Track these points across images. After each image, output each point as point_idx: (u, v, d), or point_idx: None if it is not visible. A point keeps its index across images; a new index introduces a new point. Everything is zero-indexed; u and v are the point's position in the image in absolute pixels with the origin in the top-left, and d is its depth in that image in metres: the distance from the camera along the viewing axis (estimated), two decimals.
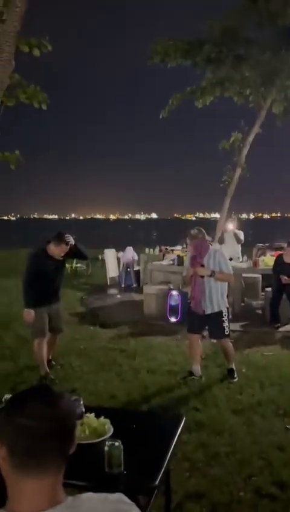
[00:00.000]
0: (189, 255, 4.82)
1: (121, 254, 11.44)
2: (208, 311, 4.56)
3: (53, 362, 5.06)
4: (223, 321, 4.60)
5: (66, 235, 4.52)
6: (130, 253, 11.06)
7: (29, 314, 4.56)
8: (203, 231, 4.60)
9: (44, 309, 4.65)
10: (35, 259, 4.60)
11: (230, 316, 7.17)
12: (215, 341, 5.15)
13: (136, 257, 11.09)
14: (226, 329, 4.64)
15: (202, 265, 4.49)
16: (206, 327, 4.79)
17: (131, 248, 11.26)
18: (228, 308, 4.69)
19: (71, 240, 4.54)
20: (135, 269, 10.90)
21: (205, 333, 6.22)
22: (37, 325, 4.65)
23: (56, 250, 4.52)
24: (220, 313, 4.59)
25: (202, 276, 4.49)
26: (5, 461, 1.01)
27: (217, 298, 4.55)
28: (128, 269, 10.94)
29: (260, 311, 7.63)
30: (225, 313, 4.61)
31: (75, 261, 12.32)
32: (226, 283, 4.72)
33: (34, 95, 10.54)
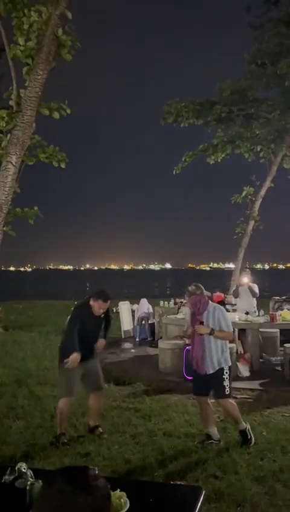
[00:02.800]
0: (189, 311, 4.76)
1: (135, 307, 11.39)
2: (210, 371, 4.39)
3: (100, 429, 4.68)
4: (224, 379, 4.39)
5: (107, 295, 4.50)
6: (144, 306, 11.00)
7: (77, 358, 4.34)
8: (202, 287, 4.51)
9: (76, 367, 4.41)
10: (78, 311, 4.57)
11: (248, 374, 7.06)
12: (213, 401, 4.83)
13: (151, 310, 11.02)
14: (227, 388, 4.40)
15: (201, 323, 4.38)
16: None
17: (145, 300, 11.22)
18: (230, 367, 4.49)
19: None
20: (149, 322, 10.80)
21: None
22: (65, 384, 4.49)
23: (94, 306, 4.44)
24: (221, 371, 4.40)
25: (201, 334, 4.38)
26: None
27: (217, 356, 4.40)
28: (143, 322, 10.85)
29: (279, 368, 7.40)
30: (226, 370, 4.42)
31: None
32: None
33: (53, 155, 11.10)
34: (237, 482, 3.67)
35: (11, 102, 9.86)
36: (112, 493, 2.10)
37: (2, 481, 2.29)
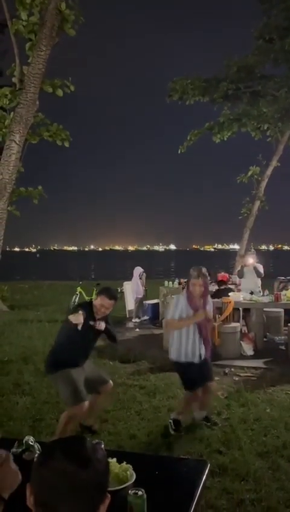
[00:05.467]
0: (185, 298, 4.20)
1: None
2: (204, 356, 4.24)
3: (95, 426, 4.26)
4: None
5: (112, 293, 3.98)
6: (134, 287, 10.85)
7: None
8: None
9: (74, 370, 3.80)
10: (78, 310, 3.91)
11: (252, 353, 7.13)
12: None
13: (139, 287, 10.80)
14: None
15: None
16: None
17: (135, 281, 10.94)
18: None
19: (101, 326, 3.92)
20: (152, 303, 10.81)
21: (227, 370, 6.11)
22: (69, 389, 3.71)
23: (97, 302, 3.91)
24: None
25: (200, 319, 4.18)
26: (33, 510, 1.00)
27: None
28: (145, 302, 10.88)
29: (283, 347, 7.45)
30: None
31: (94, 294, 12.33)
32: None
33: (57, 133, 10.98)
34: (241, 457, 3.73)
35: (14, 80, 9.71)
36: (118, 466, 2.14)
37: (10, 454, 2.33)
